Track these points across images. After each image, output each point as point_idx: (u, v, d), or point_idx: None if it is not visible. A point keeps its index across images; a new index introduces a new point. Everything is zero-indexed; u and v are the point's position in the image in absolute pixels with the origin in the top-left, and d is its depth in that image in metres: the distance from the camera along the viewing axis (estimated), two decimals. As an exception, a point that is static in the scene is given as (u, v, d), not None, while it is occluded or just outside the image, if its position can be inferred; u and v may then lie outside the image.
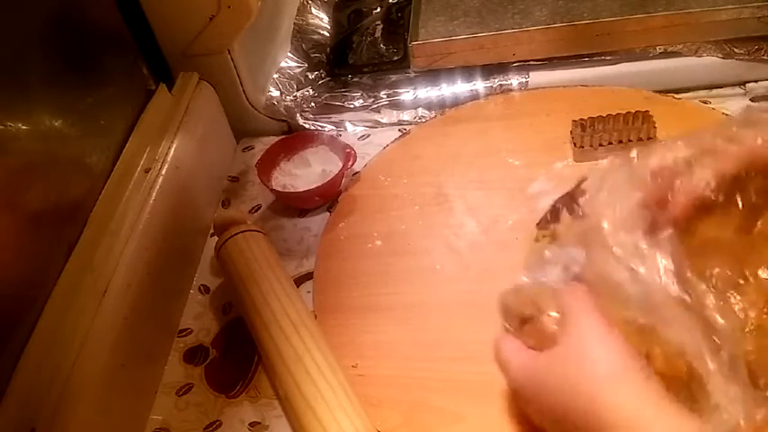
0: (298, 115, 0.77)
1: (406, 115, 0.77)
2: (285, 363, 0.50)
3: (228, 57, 0.71)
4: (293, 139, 0.72)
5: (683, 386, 0.38)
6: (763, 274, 0.42)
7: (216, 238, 0.62)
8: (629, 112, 0.65)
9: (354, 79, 0.81)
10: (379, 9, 0.92)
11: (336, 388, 0.48)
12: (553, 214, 0.51)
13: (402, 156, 0.71)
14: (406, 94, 0.77)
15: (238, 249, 0.58)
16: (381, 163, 0.71)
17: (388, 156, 0.71)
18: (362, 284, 0.59)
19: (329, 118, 0.78)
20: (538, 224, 0.53)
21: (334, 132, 0.76)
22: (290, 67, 0.82)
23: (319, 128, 0.77)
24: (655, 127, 0.64)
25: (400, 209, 0.65)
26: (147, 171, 0.60)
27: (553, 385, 0.39)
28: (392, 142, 0.73)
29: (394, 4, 0.92)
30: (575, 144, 0.66)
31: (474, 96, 0.76)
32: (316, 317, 0.57)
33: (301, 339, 0.51)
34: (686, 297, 0.38)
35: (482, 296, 0.55)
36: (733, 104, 0.70)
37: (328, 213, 0.67)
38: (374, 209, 0.66)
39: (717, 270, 0.42)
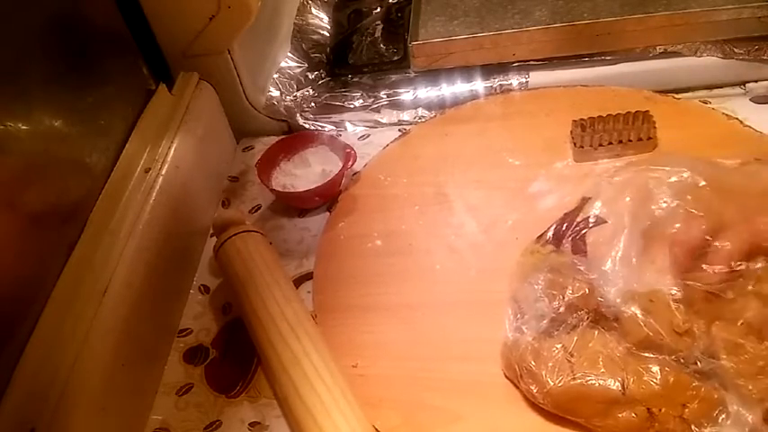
0: (298, 115, 0.77)
1: (406, 115, 0.77)
2: (283, 366, 0.50)
3: (228, 57, 0.71)
4: (293, 139, 0.72)
5: None
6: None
7: (216, 238, 0.62)
8: (629, 112, 0.65)
9: (354, 79, 0.81)
10: (379, 9, 0.92)
11: (334, 390, 0.48)
12: (555, 236, 0.52)
13: (402, 155, 0.71)
14: (406, 94, 0.77)
15: (236, 251, 0.58)
16: (381, 163, 0.71)
17: (388, 155, 0.71)
18: (362, 284, 0.59)
19: (329, 118, 0.78)
20: (537, 238, 0.53)
21: (334, 132, 0.76)
22: (290, 67, 0.82)
23: (319, 128, 0.77)
24: (655, 127, 0.64)
25: (400, 209, 0.65)
26: (147, 171, 0.60)
27: None
28: (392, 142, 0.73)
29: (394, 4, 0.92)
30: (575, 144, 0.66)
31: (474, 96, 0.76)
32: (315, 317, 0.57)
33: (299, 342, 0.51)
34: None
35: (482, 296, 0.56)
36: (733, 104, 0.70)
37: (328, 213, 0.67)
38: (374, 208, 0.66)
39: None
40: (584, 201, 0.53)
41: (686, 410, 0.43)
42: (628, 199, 0.50)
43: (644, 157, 0.63)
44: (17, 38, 0.49)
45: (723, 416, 0.43)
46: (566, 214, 0.53)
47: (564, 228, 0.52)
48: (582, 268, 0.49)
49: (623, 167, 0.54)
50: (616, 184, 0.52)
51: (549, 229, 0.54)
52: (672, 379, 0.44)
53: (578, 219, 0.52)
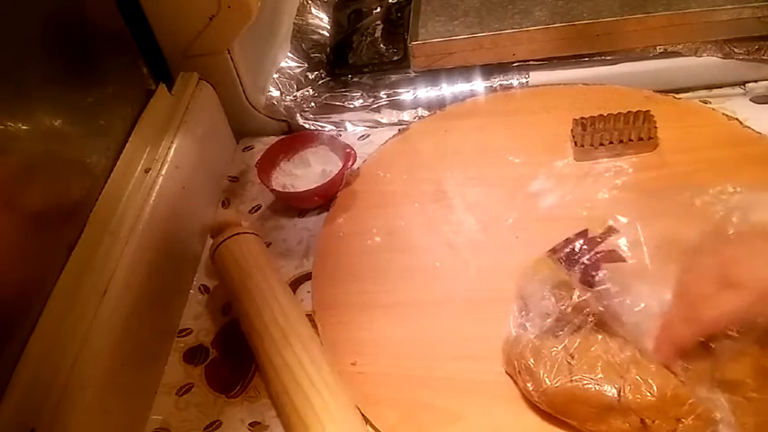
0: (298, 115, 0.77)
1: (406, 115, 0.77)
2: (276, 372, 0.50)
3: (228, 57, 0.71)
4: (293, 139, 0.72)
5: None
6: None
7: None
8: (629, 112, 0.65)
9: (354, 79, 0.81)
10: (379, 9, 0.92)
11: (326, 395, 0.48)
12: (569, 258, 0.51)
13: (401, 151, 0.71)
14: (406, 94, 0.77)
15: (230, 253, 0.58)
16: (381, 159, 0.71)
17: (388, 151, 0.71)
18: (361, 281, 0.59)
19: (329, 118, 0.78)
20: (551, 250, 0.53)
21: (335, 132, 0.76)
22: (290, 67, 0.82)
23: (319, 128, 0.77)
24: (655, 126, 0.64)
25: (399, 205, 0.65)
26: (147, 171, 0.60)
27: None
28: (391, 138, 0.72)
29: (394, 4, 0.92)
30: (575, 143, 0.66)
31: (474, 96, 0.76)
32: (315, 313, 0.57)
33: (291, 349, 0.51)
34: None
35: (481, 294, 0.56)
36: (733, 104, 0.70)
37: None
38: (373, 205, 0.66)
39: None
40: (611, 231, 0.52)
41: (680, 425, 0.43)
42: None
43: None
44: (17, 38, 0.49)
45: None
46: (588, 239, 0.52)
47: (580, 252, 0.51)
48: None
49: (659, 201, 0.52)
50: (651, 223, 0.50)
51: (564, 245, 0.52)
52: (669, 393, 0.44)
53: (598, 248, 0.51)
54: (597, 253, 0.50)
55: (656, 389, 0.44)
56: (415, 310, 0.56)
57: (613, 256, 0.49)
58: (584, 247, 0.51)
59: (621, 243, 0.50)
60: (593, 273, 0.48)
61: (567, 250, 0.51)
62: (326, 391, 0.48)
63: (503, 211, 0.62)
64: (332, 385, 0.49)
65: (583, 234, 0.52)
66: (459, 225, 0.62)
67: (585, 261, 0.50)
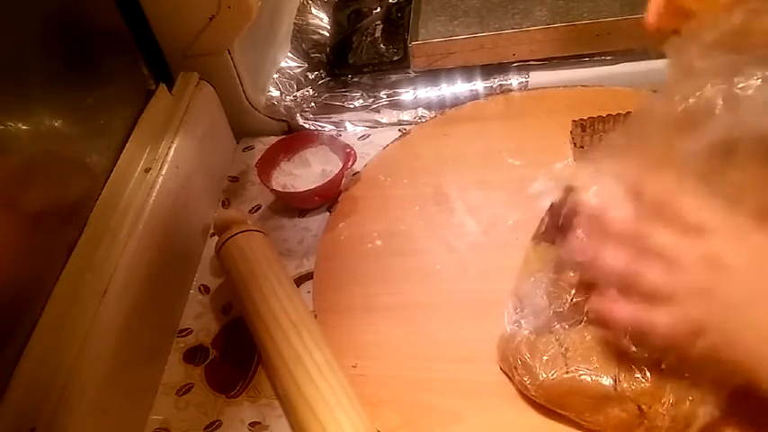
0: (298, 115, 0.77)
1: (406, 115, 0.77)
2: (285, 362, 0.50)
3: (228, 57, 0.71)
4: (293, 139, 0.72)
5: None
6: None
7: (216, 238, 0.62)
8: (629, 112, 0.65)
9: (354, 79, 0.81)
10: (379, 9, 0.92)
11: (336, 388, 0.48)
12: (546, 232, 0.51)
13: (402, 156, 0.71)
14: (406, 94, 0.77)
15: (239, 249, 0.58)
16: (382, 163, 0.71)
17: (389, 156, 0.71)
18: (363, 284, 0.59)
19: (329, 118, 0.78)
20: (533, 238, 0.53)
21: (335, 132, 0.76)
22: (290, 67, 0.82)
23: (319, 128, 0.77)
24: (654, 127, 0.64)
25: (400, 209, 0.65)
26: (147, 171, 0.60)
27: None
28: (392, 142, 0.73)
29: (394, 4, 0.92)
30: (575, 144, 0.66)
31: (474, 96, 0.76)
32: (316, 317, 0.57)
33: (301, 339, 0.51)
34: None
35: (482, 296, 0.56)
36: (733, 104, 0.70)
37: (328, 213, 0.67)
38: (374, 209, 0.66)
39: None
40: (568, 190, 0.52)
41: (673, 409, 0.43)
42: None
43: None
44: (17, 38, 0.49)
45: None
46: (550, 207, 0.52)
47: (552, 220, 0.52)
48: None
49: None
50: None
51: (539, 227, 0.53)
52: (658, 377, 0.44)
53: (564, 210, 0.51)
54: (565, 212, 0.50)
55: (649, 374, 0.44)
56: (416, 312, 0.56)
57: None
58: (553, 215, 0.51)
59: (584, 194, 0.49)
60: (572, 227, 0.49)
61: (543, 229, 0.52)
62: (336, 382, 0.48)
63: (503, 213, 0.62)
64: (341, 377, 0.49)
65: (549, 208, 0.53)
66: (460, 228, 0.62)
67: (560, 223, 0.50)
